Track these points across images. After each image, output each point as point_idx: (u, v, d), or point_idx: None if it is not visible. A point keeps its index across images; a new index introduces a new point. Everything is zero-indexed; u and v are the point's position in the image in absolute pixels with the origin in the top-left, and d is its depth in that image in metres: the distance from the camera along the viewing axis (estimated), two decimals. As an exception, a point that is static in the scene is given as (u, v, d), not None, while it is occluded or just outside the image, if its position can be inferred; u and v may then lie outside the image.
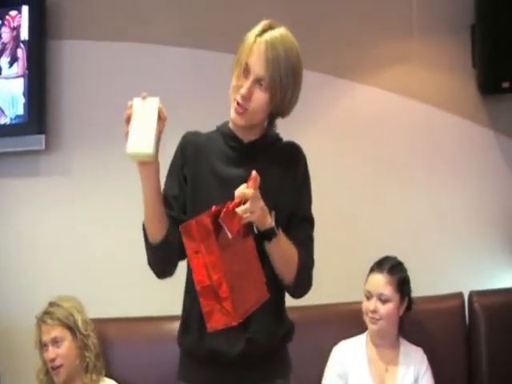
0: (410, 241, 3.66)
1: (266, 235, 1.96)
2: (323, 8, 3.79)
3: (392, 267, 3.04)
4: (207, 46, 3.70)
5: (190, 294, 2.07)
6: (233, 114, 2.04)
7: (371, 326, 3.01)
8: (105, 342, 3.21)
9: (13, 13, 3.65)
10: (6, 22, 3.66)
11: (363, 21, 3.80)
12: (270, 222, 1.94)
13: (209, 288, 1.86)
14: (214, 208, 1.84)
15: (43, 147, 3.60)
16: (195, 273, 1.88)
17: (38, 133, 3.60)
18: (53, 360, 3.00)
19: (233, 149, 2.12)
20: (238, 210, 1.83)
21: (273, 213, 1.95)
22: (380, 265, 3.06)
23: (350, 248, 3.66)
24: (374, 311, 2.98)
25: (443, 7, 3.79)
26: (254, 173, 1.86)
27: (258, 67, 1.97)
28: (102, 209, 3.70)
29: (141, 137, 1.87)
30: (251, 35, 2.01)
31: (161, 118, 1.92)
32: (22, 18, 3.63)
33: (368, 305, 3.01)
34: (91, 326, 3.11)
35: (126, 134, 1.88)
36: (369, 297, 3.03)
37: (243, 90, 1.98)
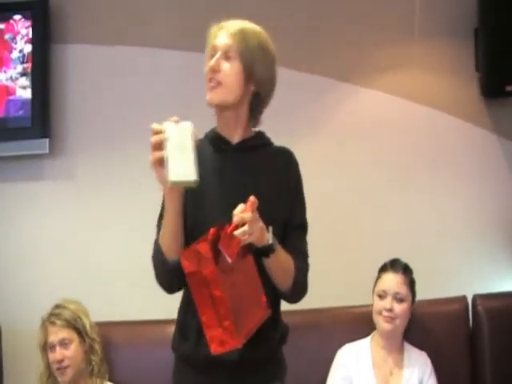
0: (412, 244, 3.65)
1: (264, 252, 1.95)
2: (325, 12, 3.79)
3: (406, 268, 3.07)
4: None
5: (187, 302, 2.08)
6: (207, 94, 2.04)
7: (385, 326, 2.99)
8: (109, 345, 3.21)
9: (17, 17, 3.66)
10: (9, 27, 3.66)
11: (365, 24, 3.80)
12: (267, 238, 1.93)
13: (211, 316, 1.86)
14: (211, 231, 1.83)
15: (47, 151, 3.60)
16: (197, 302, 1.88)
17: (42, 137, 3.60)
18: (60, 361, 3.00)
19: (223, 152, 2.11)
20: (237, 232, 1.81)
21: (270, 228, 1.94)
22: (393, 265, 3.07)
23: (353, 251, 3.66)
24: (391, 310, 2.98)
25: (446, 10, 3.79)
26: (251, 198, 1.84)
27: (222, 40, 2.03)
28: (105, 213, 3.70)
29: (182, 164, 1.79)
30: (215, 26, 2.09)
31: (196, 142, 1.87)
32: (25, 22, 3.64)
33: (383, 304, 3.00)
34: (96, 331, 3.12)
35: (159, 159, 1.80)
36: (383, 296, 3.01)
37: (211, 62, 2.01)
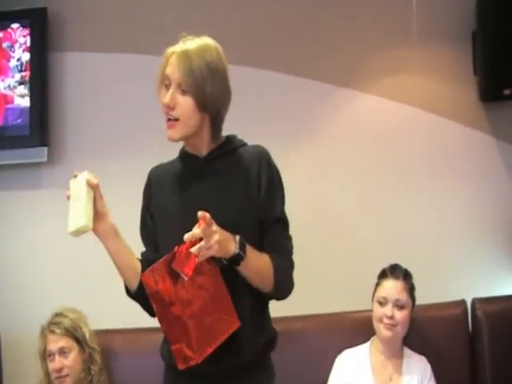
0: (412, 248, 3.65)
1: (232, 262, 1.93)
2: (323, 17, 3.79)
3: (406, 274, 3.06)
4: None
5: None
6: (167, 132, 2.06)
7: (386, 333, 2.99)
8: (109, 353, 3.22)
9: (15, 25, 3.67)
10: (7, 35, 3.67)
11: (364, 29, 3.80)
12: (233, 249, 1.91)
13: (175, 333, 1.94)
14: (174, 249, 1.90)
15: (45, 159, 3.61)
16: (162, 323, 1.98)
17: (41, 145, 3.61)
18: (59, 370, 3.00)
19: (191, 167, 2.13)
20: (193, 249, 1.82)
21: (237, 237, 1.93)
22: (393, 271, 3.06)
23: (352, 255, 3.66)
24: (392, 317, 2.97)
25: (444, 14, 3.79)
26: (200, 213, 1.83)
27: (174, 74, 2.00)
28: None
29: (75, 214, 2.00)
30: (169, 49, 2.06)
31: (92, 187, 2.03)
32: (23, 30, 3.65)
33: (384, 311, 2.99)
34: (96, 340, 3.12)
35: None
36: (383, 303, 3.00)
37: (166, 99, 2.01)
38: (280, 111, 3.71)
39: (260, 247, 2.05)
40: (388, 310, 2.98)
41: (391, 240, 3.69)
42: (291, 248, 2.14)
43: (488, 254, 3.73)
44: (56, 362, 3.01)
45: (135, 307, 3.53)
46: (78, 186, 2.02)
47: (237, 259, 1.92)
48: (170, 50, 2.05)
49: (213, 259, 1.92)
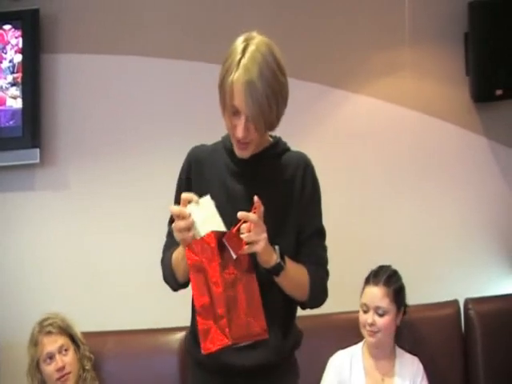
0: (404, 249, 3.66)
1: (273, 271, 1.96)
2: (317, 19, 3.80)
3: (388, 278, 3.03)
4: (202, 58, 3.69)
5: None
6: (238, 152, 2.05)
7: (369, 339, 3.00)
8: (101, 354, 3.21)
9: (7, 27, 3.66)
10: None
11: (357, 31, 3.81)
12: (275, 259, 1.94)
13: (207, 307, 1.87)
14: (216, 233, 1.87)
15: (38, 161, 3.60)
16: (195, 290, 1.90)
17: (33, 147, 3.59)
18: (61, 369, 2.98)
19: (236, 163, 2.11)
20: (243, 236, 1.85)
21: (277, 247, 1.95)
22: (376, 276, 3.05)
23: (345, 257, 3.63)
24: (372, 324, 2.97)
25: (436, 16, 3.81)
26: (256, 199, 1.86)
27: (242, 107, 1.93)
28: (96, 223, 3.69)
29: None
30: (228, 74, 1.94)
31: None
32: (16, 32, 3.64)
33: (365, 318, 2.99)
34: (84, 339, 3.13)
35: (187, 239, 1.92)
36: (365, 310, 3.01)
37: (240, 134, 1.96)
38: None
39: (295, 257, 2.07)
40: (369, 316, 2.98)
41: (384, 240, 3.70)
42: (327, 259, 2.18)
43: (481, 255, 3.74)
44: (58, 361, 2.99)
45: (130, 309, 3.57)
46: (207, 210, 1.94)
47: (277, 269, 1.96)
48: (235, 76, 1.92)
49: (252, 267, 1.95)
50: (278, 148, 2.16)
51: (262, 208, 1.88)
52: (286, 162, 2.14)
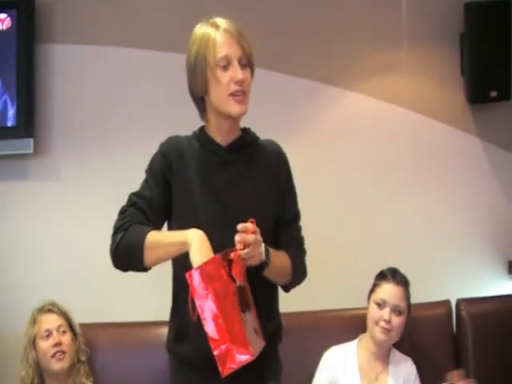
0: (397, 249, 3.66)
1: (258, 269, 1.99)
2: (313, 17, 3.79)
3: (405, 280, 3.04)
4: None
5: (180, 302, 2.09)
6: (236, 108, 2.07)
7: (381, 336, 2.96)
8: (92, 347, 3.18)
9: (2, 16, 3.63)
10: (-6, 25, 3.64)
11: (353, 29, 3.81)
12: (262, 258, 1.97)
13: (224, 332, 1.84)
14: (218, 256, 1.86)
15: (31, 151, 3.57)
16: (219, 333, 1.84)
17: (27, 136, 3.57)
18: (58, 344, 2.94)
19: (213, 153, 2.13)
20: (243, 254, 1.88)
21: (263, 245, 1.97)
22: (394, 275, 3.03)
23: (339, 256, 3.66)
24: (389, 322, 2.95)
25: (432, 16, 3.81)
26: (250, 223, 1.90)
27: (233, 51, 2.05)
28: (89, 213, 3.67)
29: None
30: (208, 32, 2.10)
31: None
32: (10, 20, 3.61)
33: (381, 314, 2.96)
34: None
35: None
36: (382, 305, 2.97)
37: (240, 75, 2.04)
38: (267, 109, 3.70)
39: (275, 240, 2.13)
40: (386, 313, 2.96)
41: (377, 240, 3.71)
42: (303, 238, 2.25)
43: (473, 256, 3.76)
44: (55, 337, 2.94)
45: (122, 302, 3.56)
46: None
47: (263, 267, 1.99)
48: (212, 31, 2.09)
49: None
50: (249, 137, 2.20)
51: (255, 227, 1.91)
52: (260, 150, 2.19)
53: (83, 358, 3.05)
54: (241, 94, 2.05)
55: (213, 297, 1.82)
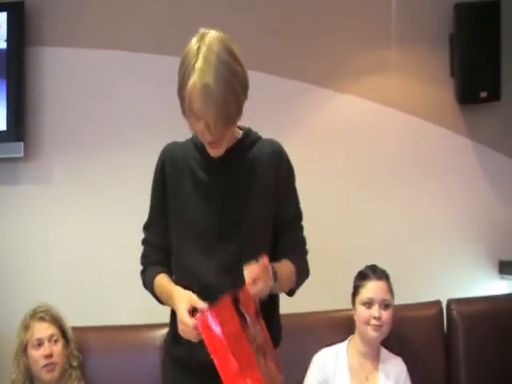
0: (388, 249, 3.67)
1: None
2: (302, 18, 3.80)
3: (385, 273, 3.07)
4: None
5: None
6: (211, 152, 2.06)
7: (374, 334, 2.98)
8: (84, 350, 3.18)
9: (-8, 18, 3.63)
10: (-16, 28, 3.63)
11: (342, 30, 3.82)
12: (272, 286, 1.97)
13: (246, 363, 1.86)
14: (227, 297, 1.86)
15: (22, 155, 3.57)
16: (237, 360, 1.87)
17: (17, 140, 3.56)
18: (49, 356, 2.94)
19: (208, 159, 2.11)
20: (253, 290, 1.88)
21: (270, 268, 1.96)
22: (375, 272, 3.06)
23: (328, 256, 3.65)
24: (379, 318, 2.97)
25: (422, 17, 3.82)
26: (263, 262, 1.89)
27: (202, 113, 1.91)
28: (81, 217, 3.67)
29: None
30: (185, 80, 1.93)
31: None
32: (0, 23, 3.61)
33: (371, 312, 2.98)
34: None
35: None
36: (370, 304, 3.00)
37: (208, 138, 1.97)
38: (256, 110, 3.68)
39: (273, 240, 2.13)
40: (375, 311, 2.98)
41: (367, 240, 3.71)
42: (305, 238, 2.24)
43: (464, 256, 3.77)
44: (46, 348, 2.94)
45: (115, 305, 3.55)
46: None
47: (271, 289, 1.98)
48: (191, 82, 1.90)
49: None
50: (249, 139, 2.16)
51: (267, 263, 1.91)
52: (260, 151, 2.15)
53: (75, 364, 3.05)
54: (213, 144, 2.01)
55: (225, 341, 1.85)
